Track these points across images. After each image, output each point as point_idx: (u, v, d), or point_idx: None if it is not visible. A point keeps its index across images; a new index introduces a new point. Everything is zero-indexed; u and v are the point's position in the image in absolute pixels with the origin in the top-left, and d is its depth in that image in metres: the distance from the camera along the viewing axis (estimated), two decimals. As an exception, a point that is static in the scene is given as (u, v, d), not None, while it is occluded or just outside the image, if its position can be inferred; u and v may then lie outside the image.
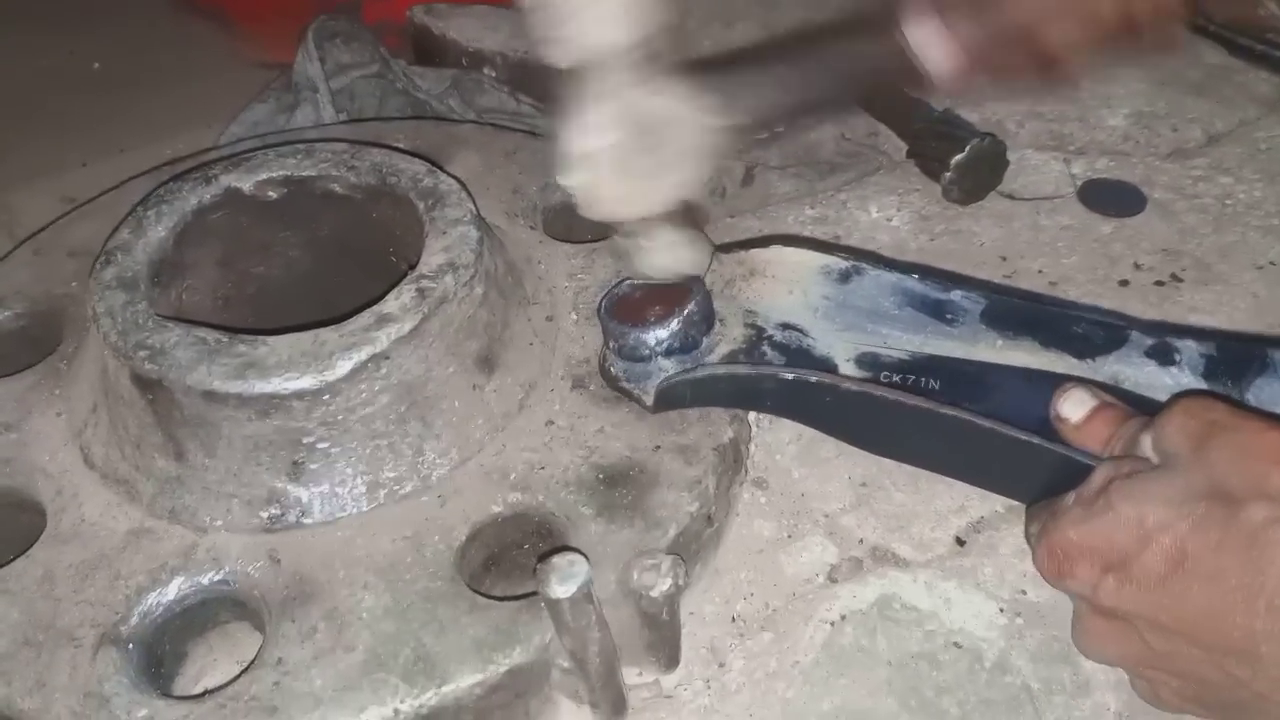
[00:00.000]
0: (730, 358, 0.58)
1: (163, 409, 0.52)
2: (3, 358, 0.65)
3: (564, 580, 0.44)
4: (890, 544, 0.59)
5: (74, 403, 0.58)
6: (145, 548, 0.52)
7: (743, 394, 0.57)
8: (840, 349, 0.59)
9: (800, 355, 0.58)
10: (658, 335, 0.57)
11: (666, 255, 0.54)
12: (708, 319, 0.59)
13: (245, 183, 0.61)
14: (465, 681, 0.47)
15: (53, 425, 0.58)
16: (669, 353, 0.57)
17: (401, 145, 0.75)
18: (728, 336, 0.59)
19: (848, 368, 0.58)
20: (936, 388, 0.57)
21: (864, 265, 0.61)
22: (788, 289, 0.61)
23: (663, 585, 0.47)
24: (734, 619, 0.55)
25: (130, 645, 0.49)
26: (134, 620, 0.50)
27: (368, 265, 0.66)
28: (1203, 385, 0.55)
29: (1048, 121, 0.89)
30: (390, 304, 0.53)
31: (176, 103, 0.97)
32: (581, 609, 0.44)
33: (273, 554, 0.51)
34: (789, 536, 0.59)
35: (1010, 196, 0.81)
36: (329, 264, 0.67)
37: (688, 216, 0.55)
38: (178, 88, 1.00)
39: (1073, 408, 0.52)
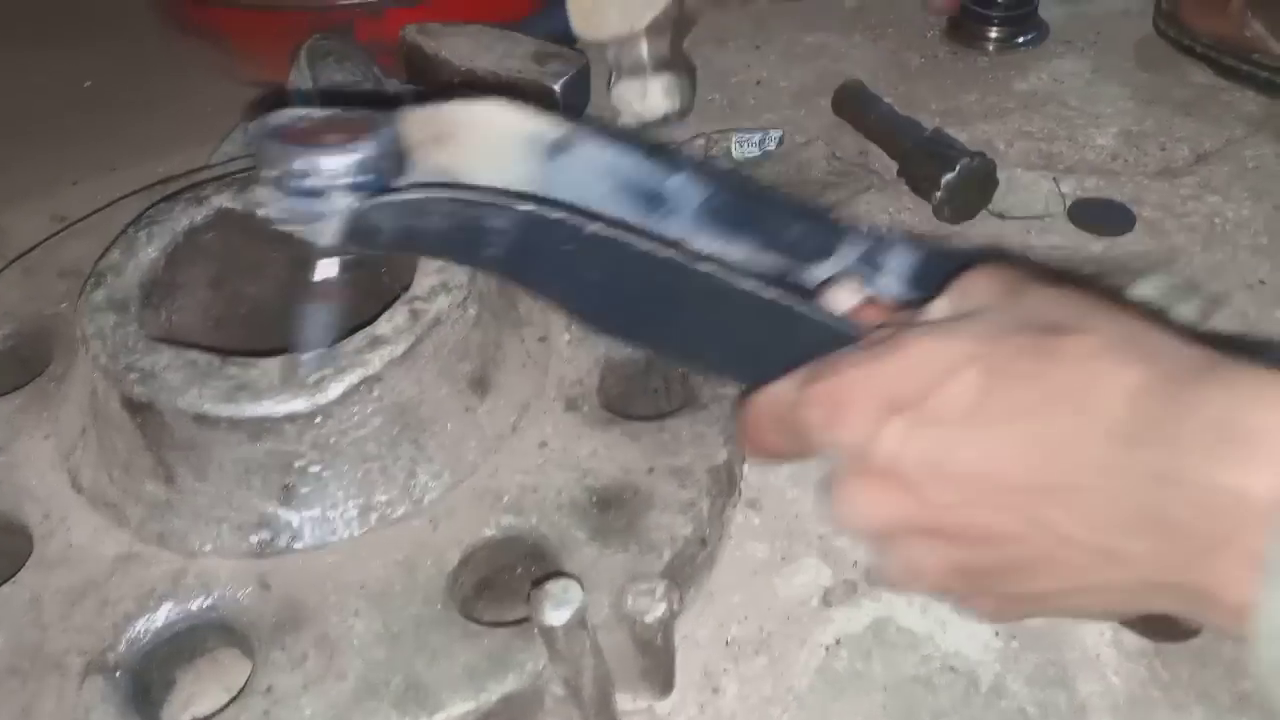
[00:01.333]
0: None
1: (153, 432, 0.52)
2: (-9, 379, 0.65)
3: (558, 607, 0.43)
4: (884, 566, 0.58)
5: (63, 425, 0.58)
6: (133, 573, 0.52)
7: (460, 234, 0.47)
8: None
9: None
10: (342, 161, 0.45)
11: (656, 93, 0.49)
12: (399, 160, 0.48)
13: (238, 202, 0.61)
14: (458, 709, 0.46)
15: (41, 448, 0.58)
16: (356, 189, 0.46)
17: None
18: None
19: None
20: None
21: (579, 136, 0.50)
22: (483, 161, 0.50)
23: (657, 610, 0.46)
24: (728, 643, 0.55)
25: (118, 673, 0.48)
26: (122, 647, 0.49)
27: (360, 285, 0.66)
28: (909, 295, 0.50)
29: (1036, 140, 0.90)
30: (383, 326, 0.53)
31: (168, 121, 0.97)
32: (575, 636, 0.44)
33: (262, 579, 0.51)
34: (783, 559, 0.59)
35: (1000, 215, 0.81)
36: (320, 284, 0.66)
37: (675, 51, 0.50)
38: (169, 106, 0.99)
39: (845, 298, 0.46)
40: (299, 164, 0.46)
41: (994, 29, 0.99)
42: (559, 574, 0.46)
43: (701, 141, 0.85)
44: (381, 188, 0.47)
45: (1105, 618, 0.52)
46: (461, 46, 0.93)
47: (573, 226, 0.44)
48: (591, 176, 0.51)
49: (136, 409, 0.52)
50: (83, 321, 0.54)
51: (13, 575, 0.52)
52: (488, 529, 0.53)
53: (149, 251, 0.58)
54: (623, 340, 0.53)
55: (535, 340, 0.61)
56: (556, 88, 0.90)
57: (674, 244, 0.47)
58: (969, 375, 0.36)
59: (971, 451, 0.36)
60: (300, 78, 0.88)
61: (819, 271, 0.50)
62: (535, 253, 0.46)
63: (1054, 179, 0.84)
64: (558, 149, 0.51)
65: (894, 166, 0.86)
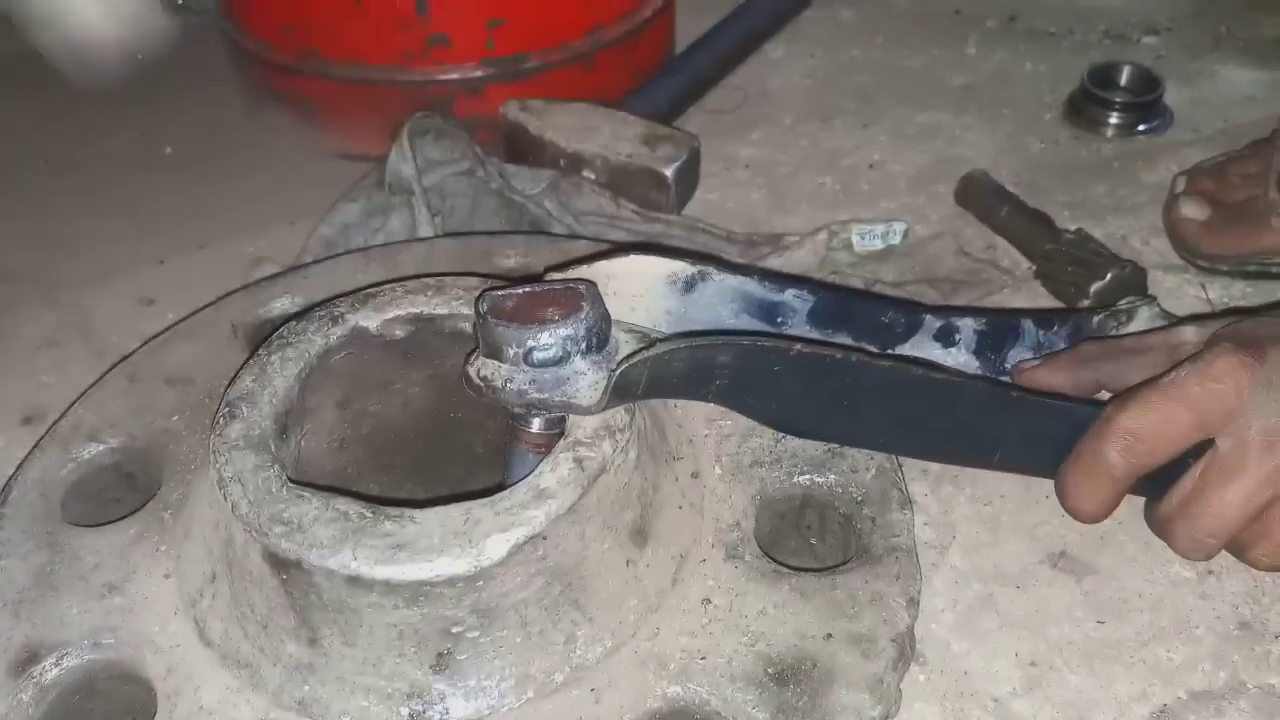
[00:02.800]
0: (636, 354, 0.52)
1: (298, 590, 0.47)
2: (96, 495, 0.61)
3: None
4: (1071, 738, 0.54)
5: (185, 565, 0.53)
6: (271, 743, 0.47)
7: (696, 374, 0.53)
8: None
9: None
10: (575, 330, 0.49)
11: None
12: (608, 317, 0.52)
13: (372, 321, 0.57)
14: None
15: (161, 589, 0.53)
16: (587, 350, 0.50)
17: (512, 261, 0.71)
18: (622, 340, 0.52)
19: None
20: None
21: (709, 270, 0.60)
22: (630, 305, 0.58)
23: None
24: (911, 828, 0.50)
25: None
26: (264, 835, 0.45)
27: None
28: (975, 361, 0.63)
29: (1173, 238, 0.85)
30: (547, 477, 0.49)
31: (254, 193, 0.93)
32: None
33: (414, 757, 0.46)
34: (956, 723, 0.54)
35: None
36: (447, 399, 0.62)
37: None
38: (255, 176, 0.96)
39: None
40: (545, 338, 0.49)
41: (1115, 114, 0.95)
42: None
43: (824, 236, 0.81)
44: (604, 345, 0.51)
45: None
46: (566, 126, 0.89)
47: (783, 350, 0.52)
48: (720, 302, 0.60)
49: (281, 565, 0.47)
50: (218, 461, 0.50)
51: (136, 739, 0.48)
52: (653, 701, 0.49)
53: (284, 377, 0.54)
54: (819, 439, 0.59)
55: (688, 477, 0.57)
56: (669, 173, 0.86)
57: (859, 349, 0.57)
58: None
59: None
60: (401, 156, 0.84)
61: (904, 349, 0.62)
62: (752, 377, 0.53)
63: (1201, 285, 0.79)
64: (692, 283, 0.60)
65: (1023, 262, 0.82)
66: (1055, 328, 0.64)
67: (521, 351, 0.49)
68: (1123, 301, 0.65)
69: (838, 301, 0.62)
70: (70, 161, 0.99)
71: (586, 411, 0.50)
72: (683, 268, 0.59)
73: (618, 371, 0.49)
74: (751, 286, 0.60)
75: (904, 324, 0.62)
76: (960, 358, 0.63)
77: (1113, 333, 0.63)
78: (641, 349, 0.50)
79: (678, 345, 0.51)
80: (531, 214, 0.85)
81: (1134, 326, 0.64)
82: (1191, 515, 0.50)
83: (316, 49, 0.93)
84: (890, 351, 0.62)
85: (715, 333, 0.55)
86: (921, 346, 0.62)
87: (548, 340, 0.49)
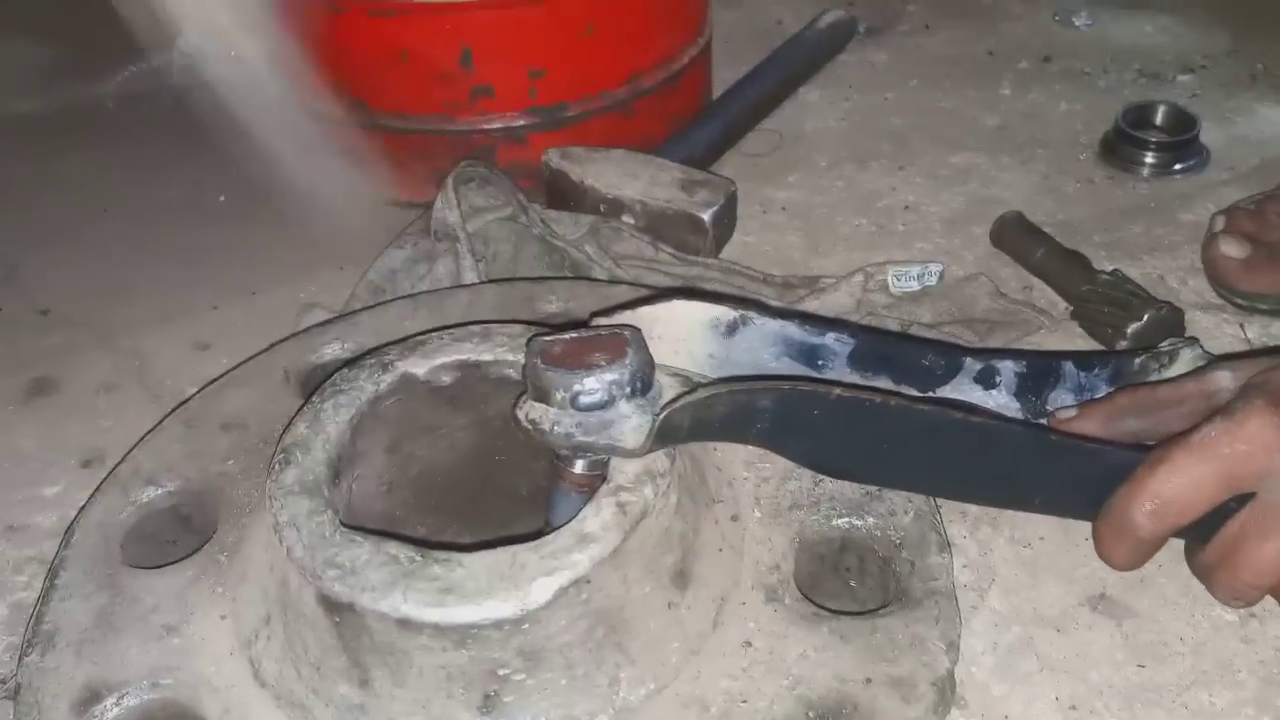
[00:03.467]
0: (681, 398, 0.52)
1: (350, 633, 0.49)
2: (154, 537, 0.63)
3: None
4: (1114, 783, 0.54)
5: (241, 607, 0.55)
6: (323, 782, 0.49)
7: (737, 417, 0.53)
8: None
9: None
10: (620, 376, 0.51)
11: None
12: (652, 363, 0.53)
13: (420, 368, 0.59)
14: None
15: (217, 630, 0.55)
16: (632, 395, 0.51)
17: (554, 306, 0.73)
18: (666, 384, 0.53)
19: None
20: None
21: (750, 314, 0.60)
22: (674, 349, 0.59)
23: None
24: None
25: None
26: None
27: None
28: (1015, 403, 0.63)
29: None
30: (590, 522, 0.50)
31: (304, 240, 0.96)
32: None
33: (462, 797, 0.48)
34: (998, 768, 0.55)
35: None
36: (492, 442, 0.64)
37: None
38: (304, 223, 0.98)
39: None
40: (590, 383, 0.50)
41: (1151, 154, 0.96)
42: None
43: (860, 278, 0.82)
44: (649, 389, 0.52)
45: None
46: (606, 173, 0.91)
47: (823, 394, 0.52)
48: (762, 345, 0.61)
49: (334, 608, 0.49)
50: (274, 507, 0.52)
51: (194, 777, 0.49)
52: (696, 743, 0.49)
53: (337, 424, 0.56)
54: (858, 481, 0.59)
55: (728, 520, 0.58)
56: (706, 217, 0.88)
57: (898, 393, 0.58)
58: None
59: None
60: (446, 203, 0.87)
61: (944, 391, 0.62)
62: (793, 421, 0.53)
63: (1240, 324, 0.79)
64: (734, 327, 0.60)
65: (1059, 303, 0.83)
66: (1096, 370, 0.64)
67: (568, 396, 0.51)
68: (1165, 344, 0.65)
69: (878, 344, 0.63)
70: (127, 210, 1.03)
71: (631, 454, 0.51)
72: (725, 312, 0.60)
73: (661, 415, 0.51)
74: (792, 330, 0.61)
75: (944, 366, 0.63)
76: (1001, 400, 0.63)
77: (1154, 375, 0.63)
78: (685, 393, 0.52)
79: (719, 390, 0.52)
80: (572, 258, 0.87)
81: (1176, 369, 0.64)
82: (1231, 566, 0.50)
83: (364, 101, 0.96)
84: (931, 394, 0.63)
85: (757, 377, 0.56)
86: (962, 389, 0.63)
87: (594, 385, 0.50)
